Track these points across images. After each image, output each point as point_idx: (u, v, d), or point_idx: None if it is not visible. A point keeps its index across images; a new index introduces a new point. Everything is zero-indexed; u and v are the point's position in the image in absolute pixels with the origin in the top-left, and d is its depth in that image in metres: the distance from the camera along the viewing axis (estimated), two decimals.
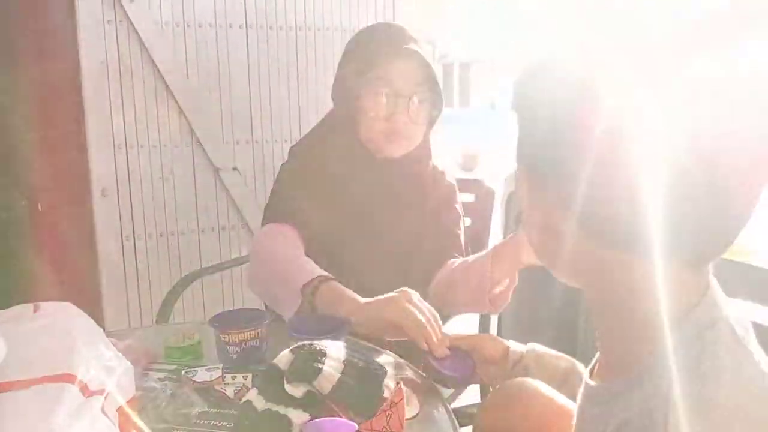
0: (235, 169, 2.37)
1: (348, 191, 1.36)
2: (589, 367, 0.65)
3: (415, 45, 1.30)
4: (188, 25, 2.23)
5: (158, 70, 2.21)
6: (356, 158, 1.35)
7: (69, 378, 0.72)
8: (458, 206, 1.45)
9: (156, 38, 2.19)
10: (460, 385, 1.22)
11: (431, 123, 1.37)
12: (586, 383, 0.62)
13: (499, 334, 2.30)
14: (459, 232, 1.42)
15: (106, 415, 0.75)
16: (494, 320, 1.88)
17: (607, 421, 0.55)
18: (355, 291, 1.13)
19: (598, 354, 0.64)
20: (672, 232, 0.49)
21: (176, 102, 2.25)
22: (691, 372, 0.49)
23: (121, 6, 2.12)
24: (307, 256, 1.27)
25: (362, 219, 1.35)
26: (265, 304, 1.37)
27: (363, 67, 1.31)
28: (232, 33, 2.30)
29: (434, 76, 1.30)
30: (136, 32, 2.16)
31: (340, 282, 1.17)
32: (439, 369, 1.03)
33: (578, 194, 0.51)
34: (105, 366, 0.78)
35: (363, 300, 1.10)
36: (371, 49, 1.31)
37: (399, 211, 1.36)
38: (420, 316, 1.04)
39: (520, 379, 0.95)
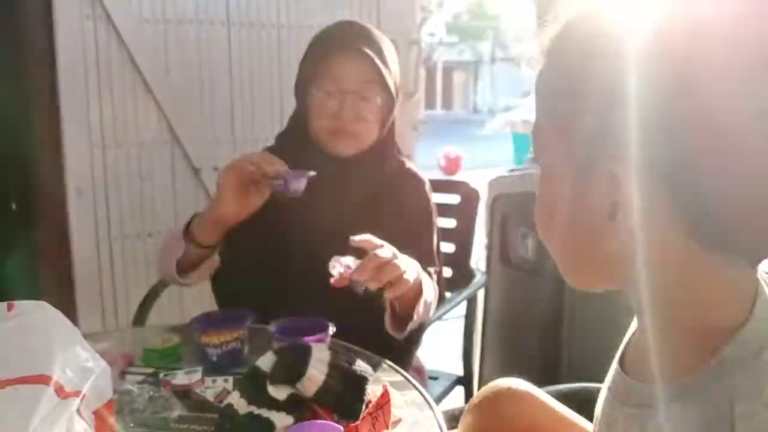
0: (215, 168, 2.34)
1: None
2: (618, 355, 0.61)
3: (369, 44, 1.30)
4: (169, 22, 2.21)
5: (137, 67, 2.18)
6: (308, 156, 1.36)
7: (44, 379, 0.71)
8: (432, 208, 1.43)
9: (136, 34, 2.16)
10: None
11: (384, 122, 1.37)
12: (621, 375, 0.58)
13: (482, 338, 2.30)
14: (425, 235, 1.40)
15: (82, 417, 0.73)
16: (478, 323, 1.88)
17: (646, 424, 0.52)
18: (300, 293, 1.13)
19: (626, 342, 0.61)
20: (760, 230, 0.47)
21: (155, 100, 2.23)
22: (755, 396, 0.46)
23: (100, 1, 2.09)
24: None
25: (312, 216, 1.35)
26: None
27: (312, 64, 1.33)
28: (214, 30, 2.29)
29: (384, 74, 1.30)
30: (115, 28, 2.13)
31: (285, 281, 1.24)
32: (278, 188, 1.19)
33: (702, 189, 0.45)
34: (81, 367, 0.76)
35: None
36: (320, 47, 1.34)
37: (351, 211, 1.35)
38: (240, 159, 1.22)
39: (509, 379, 0.95)
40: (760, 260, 0.51)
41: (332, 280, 1.05)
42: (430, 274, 1.29)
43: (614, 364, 0.60)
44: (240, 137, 2.39)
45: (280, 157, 1.40)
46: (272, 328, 1.08)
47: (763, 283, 0.52)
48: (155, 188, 2.28)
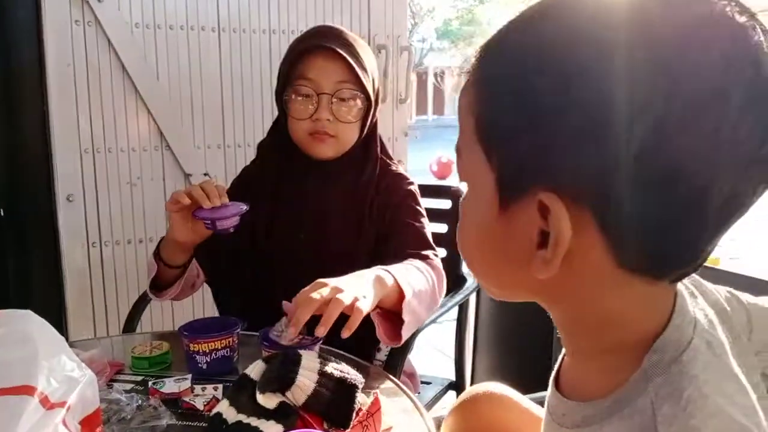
0: (206, 174, 2.33)
1: (281, 193, 1.38)
2: (553, 374, 0.61)
3: (343, 45, 1.30)
4: (159, 27, 2.20)
5: (127, 72, 2.16)
6: (290, 161, 1.35)
7: (28, 390, 0.69)
8: (416, 192, 1.41)
9: (126, 40, 2.15)
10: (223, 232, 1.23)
11: (364, 124, 1.36)
12: (557, 396, 0.58)
13: (474, 343, 2.29)
14: (412, 219, 1.36)
15: (67, 427, 0.71)
16: (470, 328, 1.87)
17: None
18: (287, 298, 1.12)
19: (560, 362, 0.61)
20: (667, 245, 0.46)
21: (146, 105, 2.21)
22: (675, 400, 0.46)
23: (90, 6, 2.07)
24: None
25: (297, 220, 1.34)
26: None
27: (288, 69, 1.33)
28: (204, 36, 2.27)
29: (360, 75, 1.29)
30: (105, 34, 2.11)
31: (272, 287, 1.22)
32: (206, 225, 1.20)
33: (627, 210, 0.44)
34: (67, 377, 0.74)
35: None
36: (295, 51, 1.34)
37: (336, 213, 1.34)
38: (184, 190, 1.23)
39: (489, 383, 0.95)
40: (682, 278, 0.51)
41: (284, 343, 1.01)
42: (425, 257, 1.28)
43: (550, 385, 0.60)
44: (231, 143, 2.37)
45: (264, 166, 1.40)
46: (261, 335, 1.06)
47: (681, 288, 0.52)
48: (145, 194, 2.26)
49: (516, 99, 0.46)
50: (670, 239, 0.45)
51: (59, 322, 2.14)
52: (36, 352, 0.74)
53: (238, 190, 1.43)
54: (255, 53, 2.34)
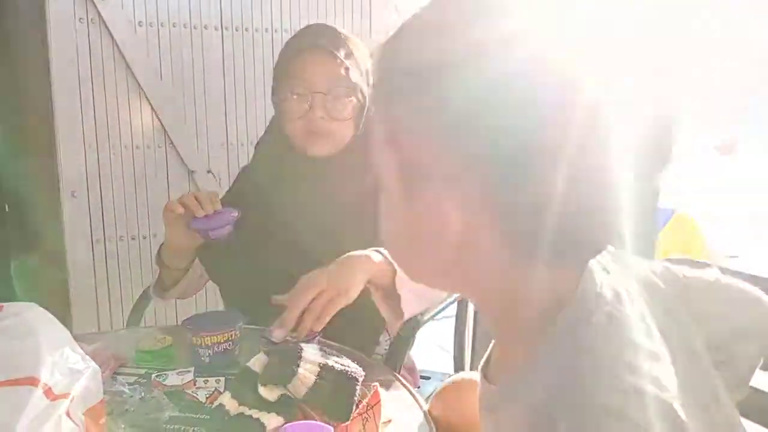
0: (209, 172, 2.33)
1: (279, 191, 1.37)
2: (482, 361, 0.62)
3: (335, 44, 1.30)
4: (162, 25, 2.20)
5: (131, 70, 2.17)
6: (284, 159, 1.36)
7: (32, 381, 0.69)
8: None
9: (129, 38, 2.15)
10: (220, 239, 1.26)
11: (359, 121, 1.36)
12: (483, 382, 0.59)
13: (473, 339, 2.29)
14: None
15: (71, 419, 0.72)
16: (469, 323, 1.88)
17: (498, 422, 0.54)
18: (283, 291, 1.13)
19: (489, 350, 0.62)
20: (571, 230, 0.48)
21: (149, 103, 2.21)
22: (568, 371, 0.47)
23: (94, 5, 2.08)
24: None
25: (295, 219, 1.35)
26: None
27: (282, 68, 1.34)
28: (207, 34, 2.27)
29: (352, 73, 1.29)
30: (109, 31, 2.11)
31: (273, 283, 1.20)
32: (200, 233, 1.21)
33: (523, 199, 0.46)
34: (71, 369, 0.75)
35: None
36: (289, 51, 1.34)
37: (334, 211, 1.34)
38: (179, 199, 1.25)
39: (472, 372, 0.96)
40: (585, 263, 0.51)
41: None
42: None
43: (479, 373, 0.61)
44: (234, 140, 2.37)
45: (262, 165, 1.38)
46: (263, 328, 1.07)
47: (593, 264, 0.52)
48: (149, 190, 2.26)
49: (401, 98, 0.49)
50: (563, 226, 0.47)
51: (64, 317, 2.15)
52: (40, 344, 0.74)
53: (236, 192, 1.44)
54: (258, 51, 2.34)
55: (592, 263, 0.52)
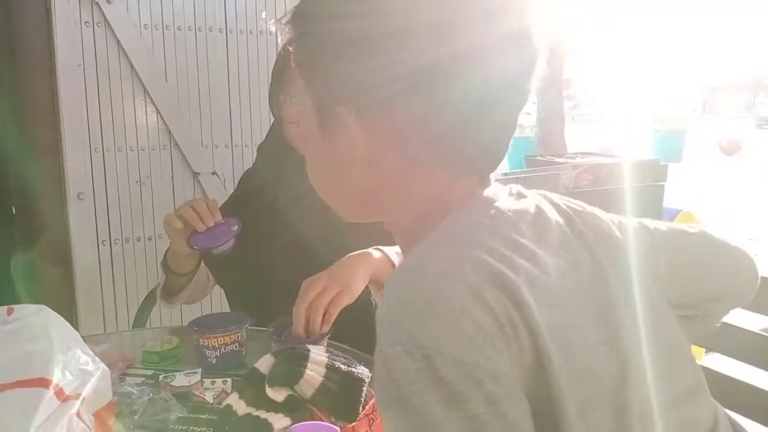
0: (214, 173, 2.34)
1: (281, 195, 1.38)
2: None
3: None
4: (167, 28, 2.21)
5: (136, 72, 2.18)
6: (286, 161, 1.36)
7: (44, 383, 0.70)
8: None
9: (134, 40, 2.16)
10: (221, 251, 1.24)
11: None
12: None
13: None
14: None
15: (82, 419, 0.73)
16: None
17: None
18: (292, 295, 1.14)
19: None
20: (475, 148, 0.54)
21: (154, 105, 2.23)
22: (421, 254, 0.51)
23: (99, 7, 2.09)
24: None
25: (299, 221, 1.35)
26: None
27: (280, 70, 1.35)
28: (212, 36, 2.28)
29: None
30: (114, 34, 2.13)
31: (276, 282, 1.24)
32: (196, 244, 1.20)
33: (434, 121, 0.52)
34: (81, 370, 0.76)
35: None
36: (284, 53, 1.35)
37: (333, 213, 1.35)
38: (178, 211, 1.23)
39: None
40: (484, 176, 0.57)
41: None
42: None
43: None
44: (238, 142, 2.38)
45: (264, 168, 1.38)
46: (271, 329, 1.08)
47: (501, 190, 0.57)
48: (154, 192, 2.27)
49: (307, 40, 0.56)
50: (453, 142, 0.53)
51: (70, 318, 2.16)
52: (51, 345, 0.75)
53: (239, 196, 1.45)
54: (262, 54, 2.35)
55: (503, 191, 0.57)
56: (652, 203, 2.09)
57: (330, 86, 0.55)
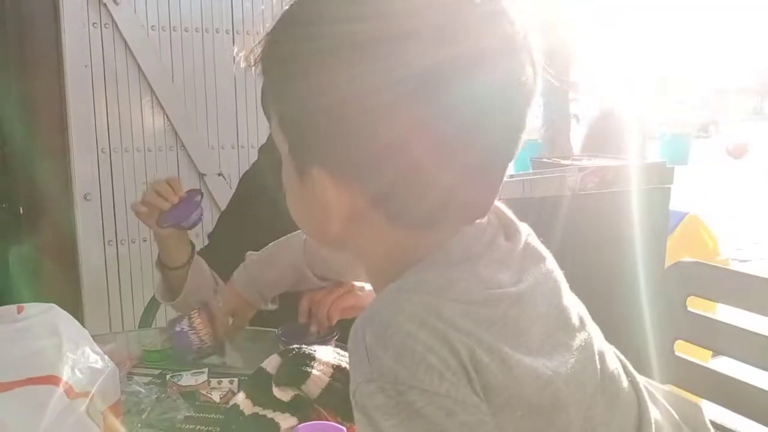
0: (220, 174, 2.36)
1: (281, 196, 1.38)
2: None
3: None
4: (174, 29, 2.22)
5: (143, 73, 2.19)
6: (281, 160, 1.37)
7: (54, 380, 0.71)
8: None
9: (141, 41, 2.17)
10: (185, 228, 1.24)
11: None
12: None
13: None
14: None
15: (90, 417, 0.73)
16: None
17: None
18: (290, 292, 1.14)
19: None
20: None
21: (161, 106, 2.24)
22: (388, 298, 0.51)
23: (107, 9, 2.10)
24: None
25: (290, 219, 1.36)
26: None
27: None
28: (218, 38, 2.30)
29: None
30: (122, 35, 2.14)
31: None
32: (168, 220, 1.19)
33: (388, 183, 0.51)
34: (90, 368, 0.76)
35: None
36: None
37: None
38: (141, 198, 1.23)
39: None
40: (455, 227, 0.54)
41: None
42: None
43: None
44: (245, 143, 2.40)
45: (264, 169, 1.40)
46: (279, 331, 1.08)
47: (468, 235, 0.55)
48: None
49: (281, 86, 0.53)
50: (429, 201, 0.51)
51: (76, 318, 2.17)
52: (60, 343, 0.76)
53: (240, 196, 1.46)
54: None
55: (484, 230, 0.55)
56: (658, 206, 2.09)
57: (307, 144, 0.53)
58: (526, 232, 0.58)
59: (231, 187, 2.35)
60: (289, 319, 1.15)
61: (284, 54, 0.52)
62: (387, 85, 0.47)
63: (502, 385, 0.48)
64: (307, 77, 0.50)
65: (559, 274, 0.59)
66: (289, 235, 1.12)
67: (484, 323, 0.50)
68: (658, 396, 0.63)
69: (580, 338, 0.56)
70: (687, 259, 1.24)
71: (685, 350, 1.18)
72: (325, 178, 0.52)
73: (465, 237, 0.54)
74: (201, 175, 2.33)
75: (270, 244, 1.16)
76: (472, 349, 0.48)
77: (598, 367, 0.56)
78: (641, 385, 0.61)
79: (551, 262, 0.59)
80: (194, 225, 1.23)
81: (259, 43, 0.55)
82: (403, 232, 0.53)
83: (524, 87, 0.51)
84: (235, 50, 0.62)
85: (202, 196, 1.25)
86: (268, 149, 1.47)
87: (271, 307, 1.10)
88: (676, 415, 0.63)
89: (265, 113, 1.37)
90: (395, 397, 0.46)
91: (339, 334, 1.08)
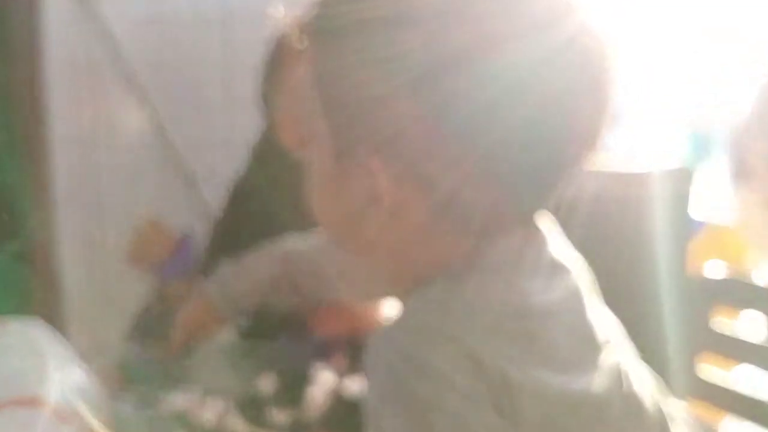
0: (211, 172, 2.35)
1: (278, 197, 1.38)
2: None
3: None
4: (163, 23, 2.22)
5: (130, 68, 2.19)
6: (285, 166, 1.37)
7: (39, 401, 0.71)
8: None
9: (128, 35, 2.17)
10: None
11: None
12: None
13: None
14: None
15: None
16: None
17: None
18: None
19: None
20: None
21: (149, 102, 2.24)
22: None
23: (91, 1, 2.10)
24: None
25: (294, 224, 1.37)
26: None
27: (271, 69, 1.38)
28: (210, 31, 2.29)
29: None
30: (108, 29, 2.14)
31: None
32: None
33: (443, 177, 0.50)
34: (77, 388, 0.77)
35: None
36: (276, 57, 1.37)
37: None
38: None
39: None
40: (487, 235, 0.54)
41: None
42: None
43: None
44: (238, 140, 2.39)
45: (258, 171, 1.38)
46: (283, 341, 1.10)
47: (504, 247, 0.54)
48: (148, 191, 2.28)
49: (334, 65, 0.53)
50: (485, 198, 0.51)
51: (59, 327, 2.17)
52: (45, 362, 0.76)
53: (234, 202, 1.46)
54: (261, 50, 2.36)
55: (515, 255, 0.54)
56: (678, 212, 2.09)
57: (358, 126, 0.52)
58: (553, 241, 0.59)
59: (222, 185, 2.34)
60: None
61: (343, 25, 0.51)
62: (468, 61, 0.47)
63: (532, 405, 0.48)
64: (369, 49, 0.49)
65: (584, 287, 0.59)
66: (269, 247, 1.10)
67: (516, 338, 0.50)
68: (678, 418, 0.64)
69: (605, 355, 0.56)
70: (710, 268, 1.25)
71: (708, 361, 1.18)
72: (375, 161, 0.51)
73: (499, 247, 0.53)
74: (191, 174, 2.33)
75: (248, 255, 1.15)
76: (502, 367, 0.48)
77: (624, 386, 0.56)
78: (664, 408, 0.62)
79: (576, 274, 0.59)
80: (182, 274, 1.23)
81: (306, 18, 0.54)
82: (442, 233, 0.53)
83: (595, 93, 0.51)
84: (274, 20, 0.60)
85: (191, 238, 1.23)
86: (258, 149, 1.46)
87: (241, 321, 1.07)
88: None
89: (265, 104, 1.36)
90: (417, 418, 0.46)
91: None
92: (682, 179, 2.17)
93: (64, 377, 0.76)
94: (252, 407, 0.89)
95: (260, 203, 1.41)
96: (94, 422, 0.77)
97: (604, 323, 0.59)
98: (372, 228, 0.53)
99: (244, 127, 2.38)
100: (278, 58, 1.34)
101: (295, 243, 1.02)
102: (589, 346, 0.55)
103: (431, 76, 0.47)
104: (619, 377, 0.56)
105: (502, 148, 0.49)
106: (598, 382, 0.53)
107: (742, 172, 1.35)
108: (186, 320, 1.04)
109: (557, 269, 0.57)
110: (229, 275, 1.11)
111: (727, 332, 1.18)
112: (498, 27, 0.48)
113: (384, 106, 0.50)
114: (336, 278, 0.99)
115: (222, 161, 2.36)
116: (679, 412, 0.65)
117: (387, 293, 0.63)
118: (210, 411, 1.00)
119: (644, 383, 0.60)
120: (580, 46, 0.49)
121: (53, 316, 2.13)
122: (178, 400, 1.03)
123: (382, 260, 0.59)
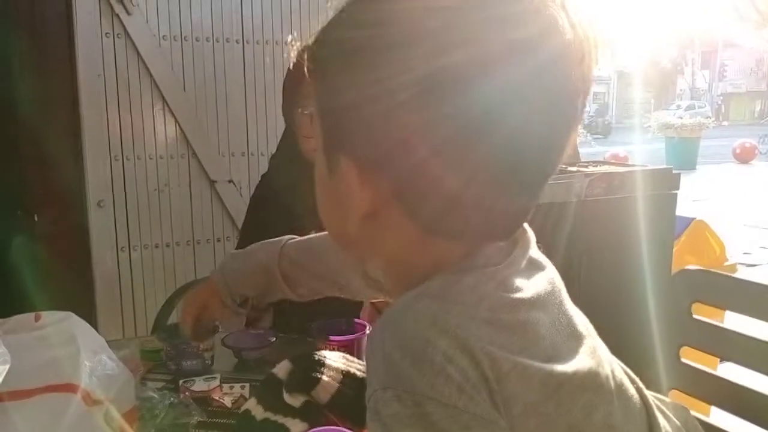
0: (230, 181, 2.37)
1: (297, 207, 1.37)
2: None
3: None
4: (185, 39, 2.25)
5: (155, 82, 2.22)
6: (302, 177, 1.37)
7: (72, 388, 0.73)
8: None
9: (153, 51, 2.20)
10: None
11: None
12: None
13: None
14: None
15: (107, 424, 0.75)
16: None
17: None
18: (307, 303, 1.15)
19: None
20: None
21: (173, 114, 2.26)
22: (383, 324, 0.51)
23: (119, 19, 2.13)
24: None
25: (310, 225, 1.36)
26: None
27: (294, 82, 1.34)
28: (229, 47, 2.32)
29: None
30: (134, 45, 2.17)
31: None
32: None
33: (418, 184, 0.49)
34: (107, 375, 0.78)
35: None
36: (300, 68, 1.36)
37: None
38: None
39: None
40: (477, 242, 0.53)
41: None
42: None
43: None
44: (255, 150, 2.41)
45: (279, 182, 1.39)
46: (312, 326, 1.12)
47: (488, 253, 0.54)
48: (172, 200, 2.31)
49: (324, 77, 0.53)
50: (460, 208, 0.50)
51: (90, 323, 2.19)
52: (78, 351, 0.77)
53: (259, 196, 1.46)
54: (278, 64, 2.38)
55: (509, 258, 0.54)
56: (664, 212, 2.09)
57: (339, 134, 0.52)
58: (532, 240, 0.59)
59: (241, 194, 2.37)
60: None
61: (345, 47, 0.51)
62: (414, 82, 0.46)
63: (522, 393, 0.48)
64: (358, 70, 0.49)
65: (559, 283, 0.59)
66: (273, 239, 1.09)
67: (505, 330, 0.49)
68: (659, 403, 0.64)
69: (588, 345, 0.56)
70: (693, 266, 1.24)
71: (691, 357, 1.18)
72: (351, 168, 0.51)
73: (491, 248, 0.53)
74: (212, 182, 2.35)
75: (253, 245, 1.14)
76: (493, 358, 0.47)
77: (609, 373, 0.56)
78: (646, 393, 0.62)
79: (551, 270, 0.59)
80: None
81: (312, 42, 0.55)
82: (421, 233, 0.52)
83: (569, 107, 0.50)
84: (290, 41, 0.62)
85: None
86: (278, 157, 1.48)
87: (241, 311, 1.06)
88: (678, 422, 0.64)
89: (286, 119, 1.37)
90: (412, 407, 0.46)
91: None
92: (669, 179, 2.18)
93: (95, 366, 0.77)
94: (267, 392, 0.90)
95: (281, 209, 1.41)
96: (122, 407, 0.78)
97: (580, 316, 0.59)
98: (353, 228, 0.54)
99: (261, 138, 2.41)
100: (296, 78, 1.35)
101: (295, 238, 1.02)
102: (572, 336, 0.55)
103: (421, 95, 0.47)
104: (604, 365, 0.56)
105: (494, 161, 0.49)
106: (585, 370, 0.53)
107: None
108: (191, 302, 1.04)
109: (539, 266, 0.57)
110: (231, 260, 1.09)
111: (710, 326, 1.18)
112: (484, 49, 0.47)
113: (372, 124, 0.49)
114: (328, 271, 0.97)
115: (240, 170, 2.39)
116: (659, 400, 0.65)
117: (389, 291, 0.62)
118: (228, 396, 1.02)
119: (624, 372, 0.61)
120: (561, 64, 0.48)
121: (85, 309, 2.16)
122: (200, 385, 1.04)
123: (379, 264, 0.60)
